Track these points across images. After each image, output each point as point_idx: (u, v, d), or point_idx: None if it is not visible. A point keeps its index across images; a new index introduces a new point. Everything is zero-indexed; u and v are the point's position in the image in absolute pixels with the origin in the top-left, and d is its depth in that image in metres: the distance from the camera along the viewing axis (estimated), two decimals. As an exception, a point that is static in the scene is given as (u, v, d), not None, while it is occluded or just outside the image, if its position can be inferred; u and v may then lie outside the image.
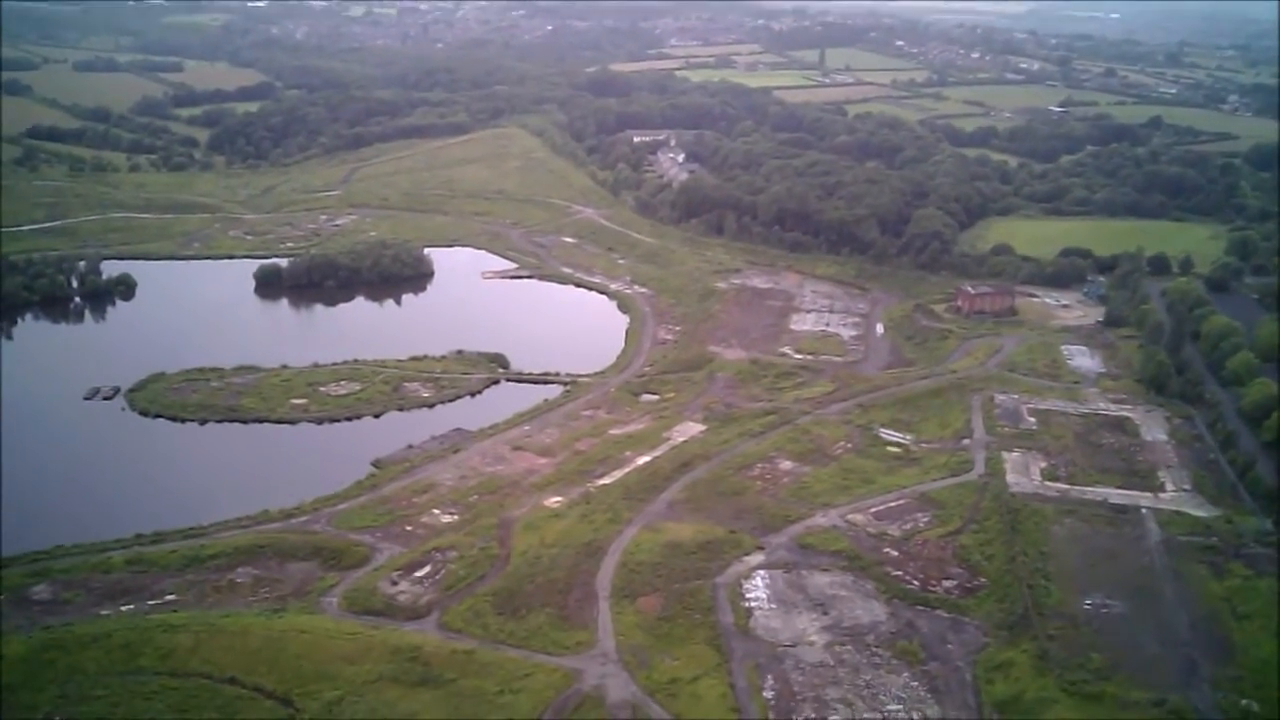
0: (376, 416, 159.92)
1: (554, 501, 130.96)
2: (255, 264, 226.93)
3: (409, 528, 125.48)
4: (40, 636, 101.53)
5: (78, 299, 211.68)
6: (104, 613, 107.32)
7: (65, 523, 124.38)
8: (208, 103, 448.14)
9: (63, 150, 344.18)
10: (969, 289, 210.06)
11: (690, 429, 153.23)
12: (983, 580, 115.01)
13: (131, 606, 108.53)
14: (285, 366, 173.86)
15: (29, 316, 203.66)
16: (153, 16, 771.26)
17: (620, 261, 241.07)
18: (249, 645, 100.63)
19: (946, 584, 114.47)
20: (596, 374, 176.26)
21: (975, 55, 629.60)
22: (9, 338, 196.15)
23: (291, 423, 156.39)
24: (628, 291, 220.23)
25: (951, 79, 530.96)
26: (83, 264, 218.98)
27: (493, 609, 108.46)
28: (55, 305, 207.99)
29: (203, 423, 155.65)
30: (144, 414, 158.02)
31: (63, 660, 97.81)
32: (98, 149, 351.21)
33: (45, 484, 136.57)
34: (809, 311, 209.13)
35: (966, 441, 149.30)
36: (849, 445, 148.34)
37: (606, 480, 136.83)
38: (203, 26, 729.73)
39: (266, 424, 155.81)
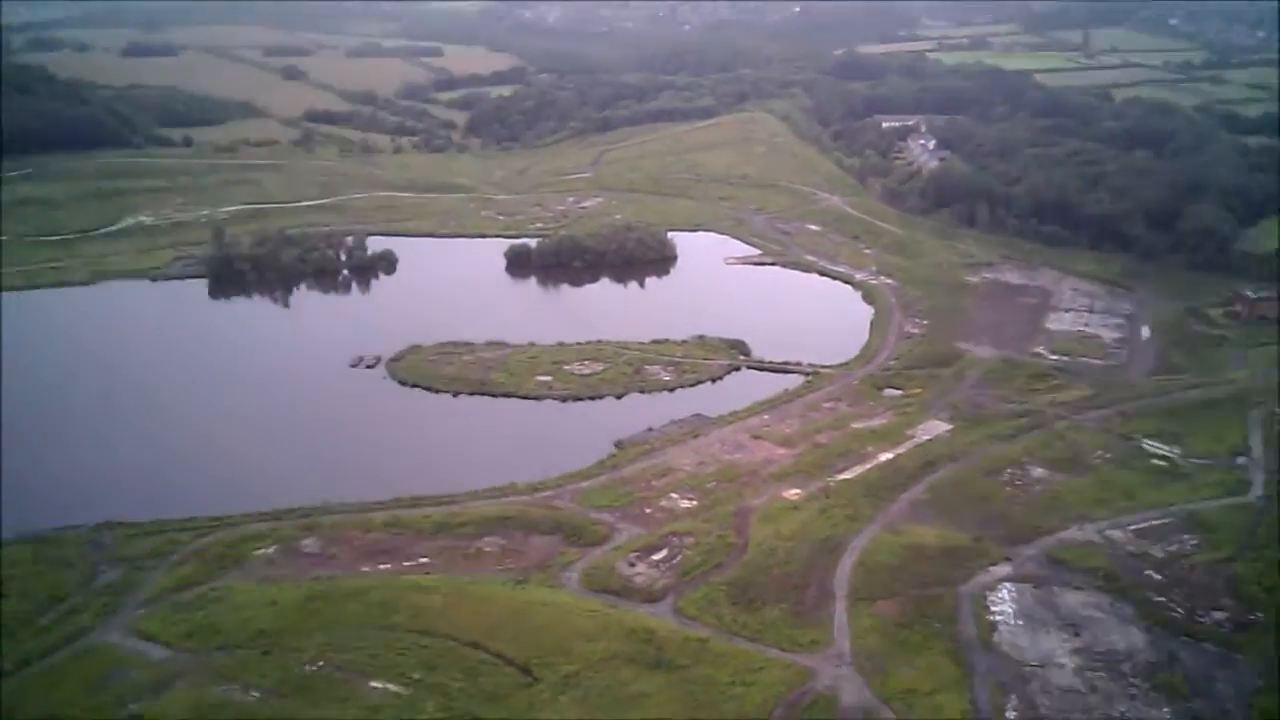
0: (618, 397, 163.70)
1: (792, 493, 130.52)
2: (506, 243, 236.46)
3: (647, 510, 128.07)
4: (310, 586, 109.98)
5: (345, 272, 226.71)
6: (364, 569, 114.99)
7: (331, 482, 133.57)
8: (465, 87, 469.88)
9: (334, 132, 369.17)
10: (1249, 293, 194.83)
11: (936, 427, 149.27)
12: (1258, 615, 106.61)
13: (389, 566, 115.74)
14: (532, 344, 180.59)
15: (303, 286, 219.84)
16: (417, 3, 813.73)
17: (866, 251, 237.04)
18: (493, 613, 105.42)
19: (1216, 615, 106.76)
20: (839, 365, 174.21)
21: (1261, 34, 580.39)
22: (286, 305, 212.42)
23: (537, 399, 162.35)
24: (873, 282, 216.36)
25: (1233, 60, 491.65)
26: (350, 239, 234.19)
27: (727, 599, 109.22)
28: (325, 277, 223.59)
29: (455, 395, 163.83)
30: (402, 383, 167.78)
31: (328, 610, 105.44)
32: (365, 131, 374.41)
33: (314, 444, 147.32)
34: (1067, 310, 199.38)
35: (1243, 460, 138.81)
36: (1108, 455, 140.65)
37: (847, 475, 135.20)
38: (462, 12, 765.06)
39: (514, 399, 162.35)
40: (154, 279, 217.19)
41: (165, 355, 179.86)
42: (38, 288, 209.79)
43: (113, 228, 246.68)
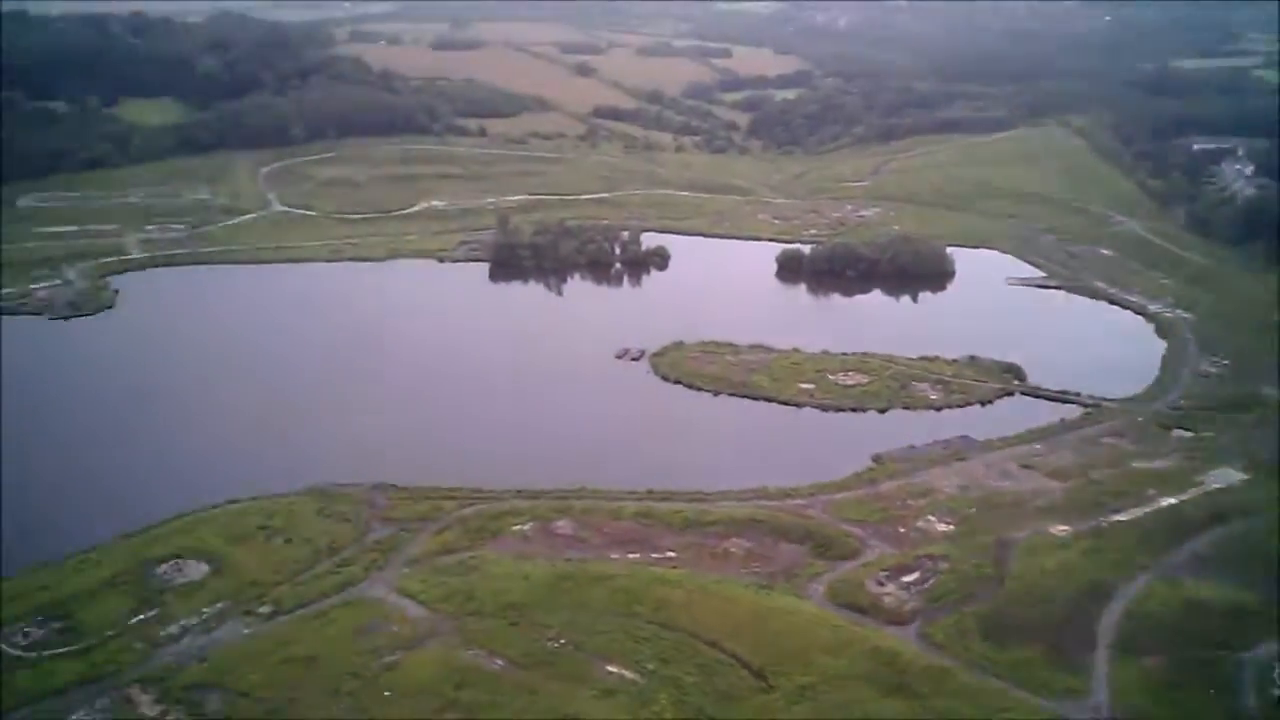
0: (881, 412, 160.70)
1: (1060, 529, 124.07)
2: (779, 247, 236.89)
3: (902, 529, 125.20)
4: (560, 566, 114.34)
5: (618, 265, 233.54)
6: (613, 556, 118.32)
7: (588, 467, 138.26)
8: (749, 88, 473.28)
9: (620, 128, 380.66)
10: None
11: (1228, 476, 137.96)
12: None
13: (636, 555, 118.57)
14: (797, 350, 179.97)
15: (577, 276, 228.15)
16: (710, 2, 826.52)
17: (1163, 281, 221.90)
18: (735, 614, 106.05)
19: None
20: (1123, 400, 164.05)
21: None
22: (559, 294, 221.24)
23: (797, 405, 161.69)
24: (1168, 314, 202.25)
25: None
26: (626, 234, 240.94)
27: (978, 631, 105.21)
28: (599, 269, 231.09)
29: (715, 394, 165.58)
30: (664, 378, 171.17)
31: (575, 592, 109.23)
32: (649, 129, 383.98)
33: (574, 430, 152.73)
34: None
35: None
36: None
37: (1122, 517, 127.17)
38: (752, 13, 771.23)
39: (774, 404, 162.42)
40: (441, 260, 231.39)
41: (445, 332, 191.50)
42: (340, 261, 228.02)
43: (408, 210, 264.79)
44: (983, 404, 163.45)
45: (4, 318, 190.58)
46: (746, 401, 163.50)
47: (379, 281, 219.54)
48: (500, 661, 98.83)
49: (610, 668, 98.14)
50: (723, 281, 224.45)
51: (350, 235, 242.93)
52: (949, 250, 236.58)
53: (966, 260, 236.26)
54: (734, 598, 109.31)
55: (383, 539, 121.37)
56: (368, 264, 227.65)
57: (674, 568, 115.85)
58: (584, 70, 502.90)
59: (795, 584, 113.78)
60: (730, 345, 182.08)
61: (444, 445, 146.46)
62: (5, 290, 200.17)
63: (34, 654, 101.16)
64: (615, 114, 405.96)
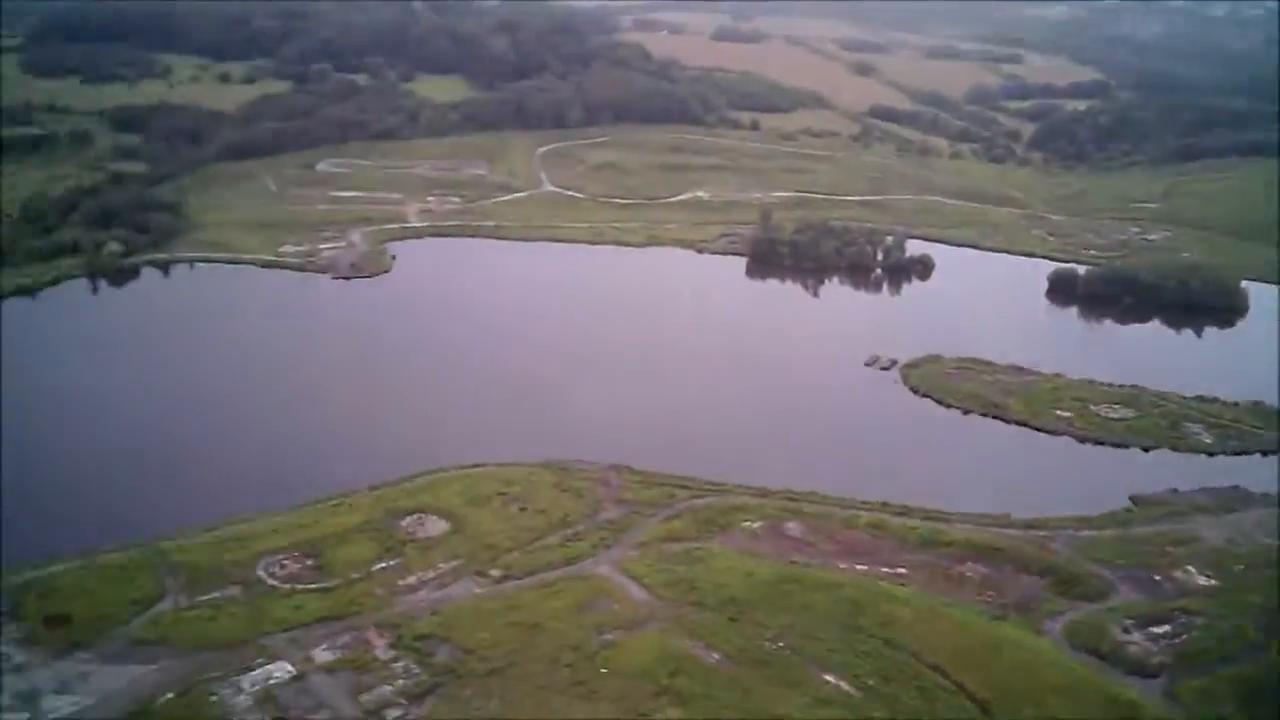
0: (1145, 450, 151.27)
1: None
2: (1051, 266, 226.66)
3: (1156, 577, 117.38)
4: (785, 568, 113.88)
5: (879, 270, 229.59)
6: (841, 565, 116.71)
7: (824, 471, 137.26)
8: (1037, 97, 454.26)
9: (895, 130, 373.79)
10: None
11: None
12: None
13: (865, 567, 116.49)
14: (1059, 375, 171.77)
15: (835, 279, 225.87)
16: (1003, 3, 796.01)
17: None
18: (963, 641, 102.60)
19: None
20: None
21: None
22: (815, 295, 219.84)
23: (1052, 433, 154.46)
24: None
25: None
26: (890, 239, 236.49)
27: (1234, 698, 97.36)
28: (858, 273, 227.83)
29: (966, 412, 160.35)
30: (914, 390, 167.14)
31: (798, 595, 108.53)
32: (926, 133, 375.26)
33: (814, 431, 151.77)
34: None
35: None
36: None
37: None
38: (1049, 19, 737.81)
39: (1027, 429, 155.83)
40: (699, 250, 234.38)
41: (696, 322, 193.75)
42: (601, 244, 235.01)
43: (673, 199, 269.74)
44: (1263, 454, 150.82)
45: (292, 274, 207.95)
46: (998, 424, 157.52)
47: (636, 267, 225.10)
48: (716, 655, 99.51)
49: (828, 677, 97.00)
50: (987, 297, 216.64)
51: (614, 220, 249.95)
52: (1244, 284, 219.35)
53: (1264, 296, 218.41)
54: (964, 624, 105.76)
55: (614, 519, 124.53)
56: (627, 249, 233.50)
57: (903, 584, 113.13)
58: (863, 69, 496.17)
59: (1031, 618, 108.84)
60: (988, 364, 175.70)
61: (683, 433, 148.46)
62: (296, 248, 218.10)
63: (288, 586, 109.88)
64: (891, 115, 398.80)
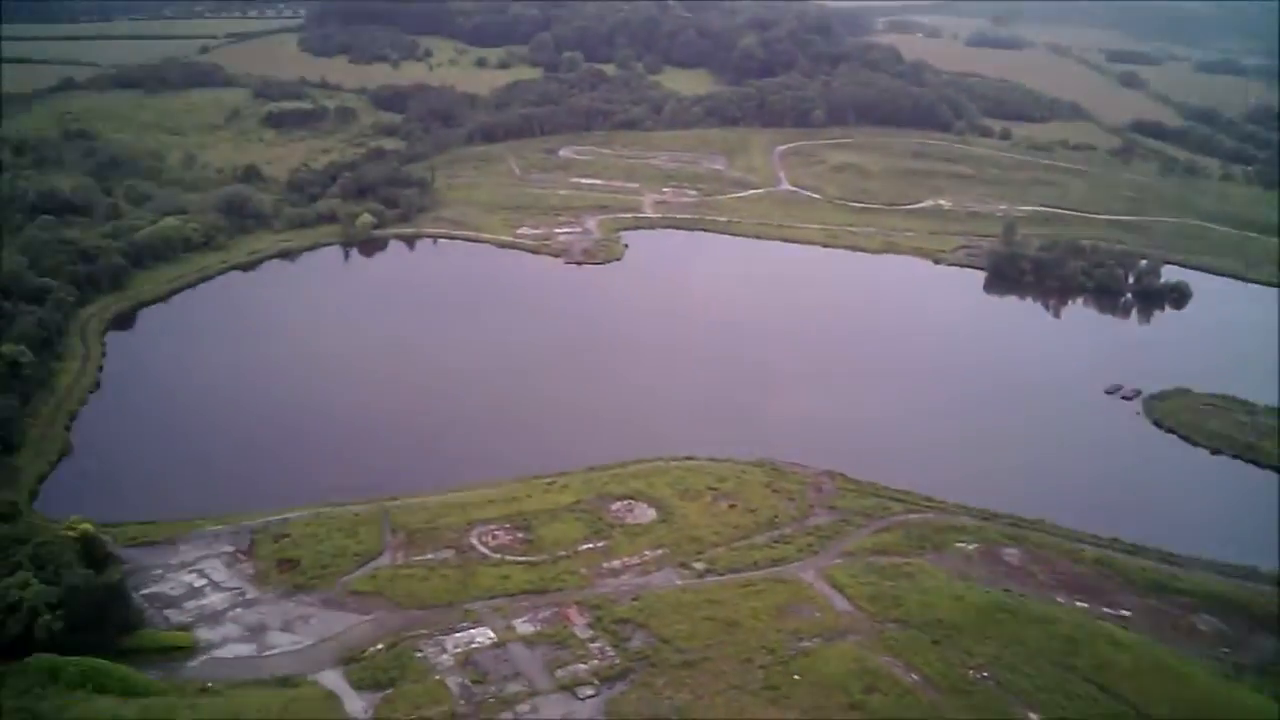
0: None
1: None
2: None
3: None
4: (998, 596, 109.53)
5: (1129, 295, 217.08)
6: (1059, 599, 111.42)
7: (1049, 499, 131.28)
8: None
9: (1159, 148, 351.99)
10: None
11: None
12: None
13: (1085, 605, 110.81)
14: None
15: (1079, 300, 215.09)
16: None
17: None
18: (1189, 697, 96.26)
19: None
20: None
21: None
22: (1056, 315, 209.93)
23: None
24: None
25: None
26: (1144, 263, 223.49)
27: None
28: (1105, 296, 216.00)
29: (1214, 452, 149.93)
30: (1157, 424, 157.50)
31: (1010, 625, 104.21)
32: (1194, 152, 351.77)
33: (1045, 456, 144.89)
34: None
35: None
36: None
37: None
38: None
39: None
40: (936, 261, 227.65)
41: (928, 334, 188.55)
42: (835, 248, 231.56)
43: (912, 206, 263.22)
44: None
45: (527, 255, 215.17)
46: (1251, 468, 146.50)
47: (870, 273, 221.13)
48: (915, 676, 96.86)
49: (1032, 715, 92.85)
50: (1249, 332, 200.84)
51: (850, 223, 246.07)
52: None
53: None
54: (1190, 678, 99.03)
55: (823, 525, 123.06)
56: (861, 254, 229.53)
57: (1126, 628, 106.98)
58: (1130, 81, 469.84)
59: (1268, 682, 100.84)
60: (1244, 403, 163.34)
61: (903, 445, 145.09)
62: (533, 231, 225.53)
63: (498, 556, 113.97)
64: (1157, 131, 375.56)
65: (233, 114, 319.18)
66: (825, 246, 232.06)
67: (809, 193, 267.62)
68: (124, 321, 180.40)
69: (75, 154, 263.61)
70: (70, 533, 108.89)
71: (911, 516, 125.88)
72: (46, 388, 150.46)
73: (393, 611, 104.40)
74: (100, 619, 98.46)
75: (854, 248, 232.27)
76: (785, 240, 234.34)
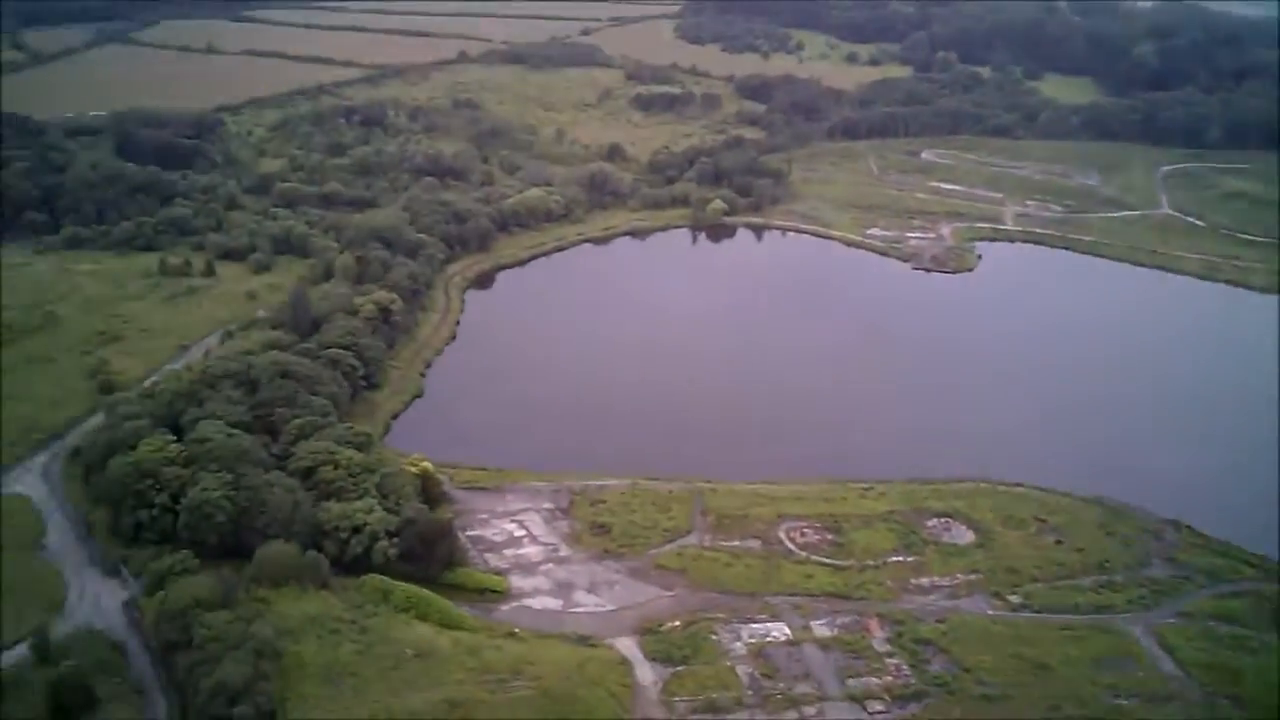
0: None
1: None
2: None
3: None
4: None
5: None
6: None
7: None
8: None
9: None
10: None
11: None
12: None
13: None
14: None
15: None
16: None
17: None
18: None
19: None
20: None
21: None
22: None
23: None
24: None
25: None
26: None
27: None
28: None
29: None
30: None
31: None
32: None
33: None
34: None
35: None
36: None
37: None
38: None
39: None
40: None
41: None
42: (1213, 281, 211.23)
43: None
44: None
45: (875, 257, 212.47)
46: None
47: (1254, 314, 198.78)
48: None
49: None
50: None
51: (1236, 256, 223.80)
52: None
53: None
54: None
55: (1160, 578, 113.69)
56: (1241, 290, 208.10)
57: None
58: None
59: None
60: None
61: (1263, 504, 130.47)
62: (883, 233, 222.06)
63: (804, 554, 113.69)
64: None
65: (605, 94, 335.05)
66: (1201, 279, 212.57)
67: (1192, 219, 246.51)
68: (484, 281, 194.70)
69: (460, 122, 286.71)
70: (412, 468, 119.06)
71: (1266, 586, 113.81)
72: (410, 334, 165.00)
73: (694, 591, 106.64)
74: (429, 552, 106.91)
75: (1236, 283, 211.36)
76: (1158, 268, 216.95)
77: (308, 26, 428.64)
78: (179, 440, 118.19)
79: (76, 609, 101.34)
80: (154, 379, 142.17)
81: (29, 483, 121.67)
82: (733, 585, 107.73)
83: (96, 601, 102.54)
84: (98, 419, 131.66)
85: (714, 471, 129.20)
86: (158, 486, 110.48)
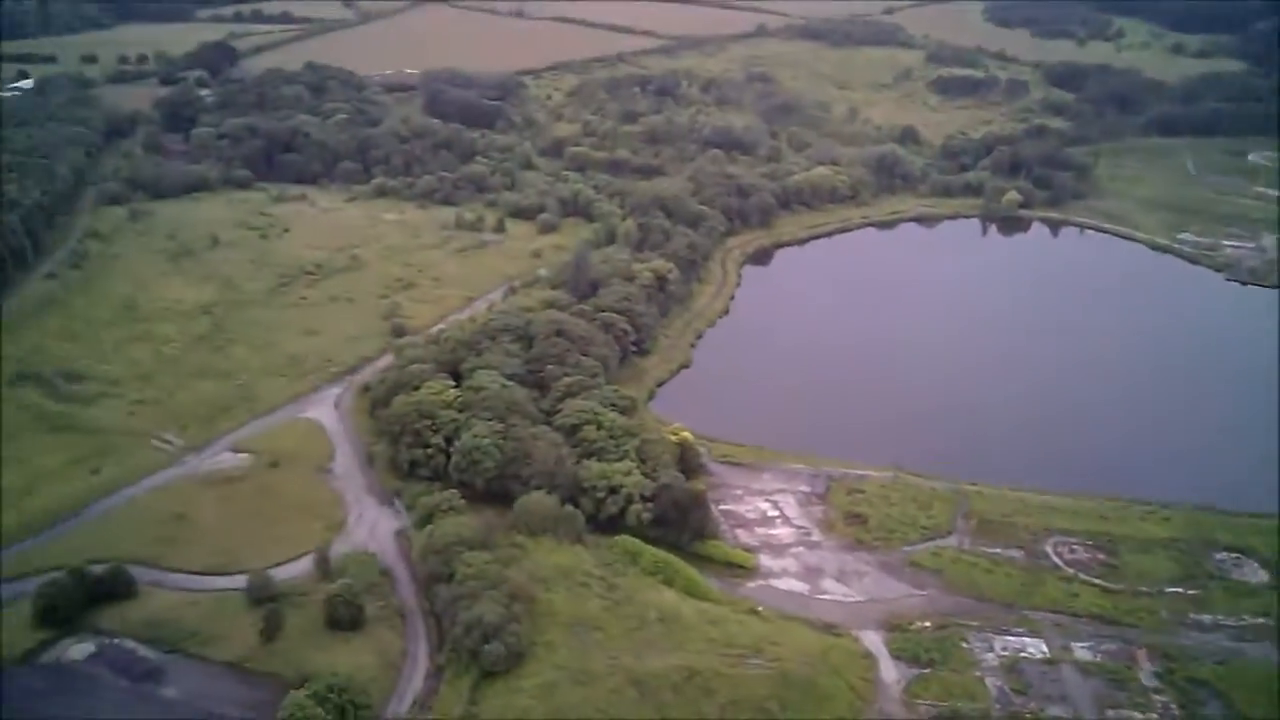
0: None
1: None
2: None
3: None
4: None
5: None
6: None
7: None
8: None
9: None
10: None
11: None
12: None
13: None
14: None
15: None
16: None
17: None
18: None
19: None
20: None
21: None
22: None
23: None
24: None
25: None
26: None
27: None
28: None
29: None
30: None
31: None
32: None
33: None
34: None
35: None
36: None
37: None
38: None
39: None
40: None
41: None
42: None
43: None
44: None
45: (1183, 264, 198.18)
46: None
47: None
48: None
49: None
50: None
51: None
52: None
53: None
54: None
55: None
56: None
57: None
58: None
59: None
60: None
61: None
62: (1195, 238, 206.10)
63: (1071, 570, 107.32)
64: None
65: (903, 74, 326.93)
66: None
67: None
68: (762, 257, 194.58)
69: (752, 96, 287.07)
70: (672, 437, 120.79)
71: None
72: (684, 304, 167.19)
73: (948, 593, 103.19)
74: (682, 520, 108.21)
75: None
76: None
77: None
78: (457, 386, 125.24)
79: (354, 532, 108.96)
80: (440, 326, 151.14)
81: (323, 411, 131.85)
82: (990, 593, 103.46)
83: (372, 527, 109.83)
84: (387, 359, 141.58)
85: (979, 473, 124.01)
86: (434, 428, 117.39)
